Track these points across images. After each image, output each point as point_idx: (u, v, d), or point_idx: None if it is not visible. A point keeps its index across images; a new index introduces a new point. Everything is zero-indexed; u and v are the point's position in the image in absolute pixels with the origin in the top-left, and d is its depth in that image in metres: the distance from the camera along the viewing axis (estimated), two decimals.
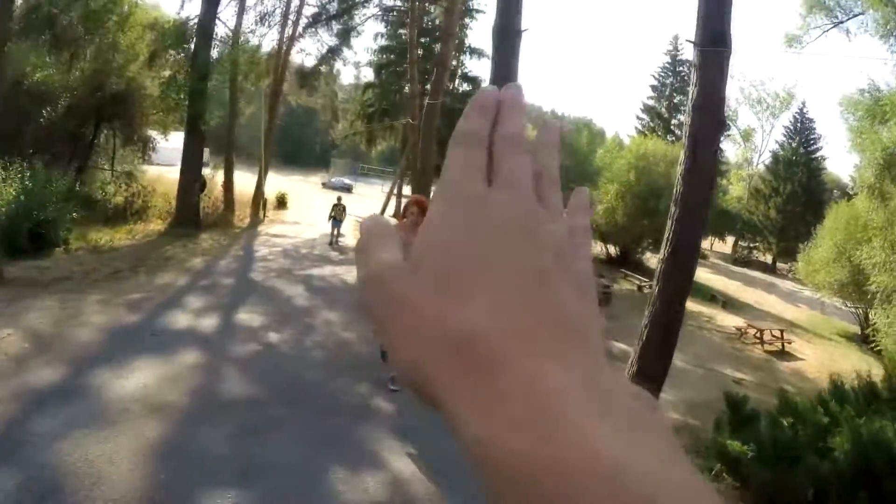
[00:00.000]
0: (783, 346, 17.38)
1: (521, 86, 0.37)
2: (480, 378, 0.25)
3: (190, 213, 18.58)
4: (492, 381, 0.25)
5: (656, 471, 0.23)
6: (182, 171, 18.94)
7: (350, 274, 12.52)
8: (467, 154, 0.33)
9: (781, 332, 17.68)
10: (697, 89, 7.87)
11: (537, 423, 0.24)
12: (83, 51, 19.19)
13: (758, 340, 17.49)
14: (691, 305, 22.76)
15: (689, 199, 7.63)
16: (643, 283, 22.80)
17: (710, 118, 7.83)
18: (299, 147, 71.35)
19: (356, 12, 22.12)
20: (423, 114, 18.58)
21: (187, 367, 6.84)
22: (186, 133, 19.01)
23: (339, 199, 19.84)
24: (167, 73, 19.51)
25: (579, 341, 0.28)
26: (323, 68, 23.41)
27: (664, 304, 7.74)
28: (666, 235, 7.85)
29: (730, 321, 20.55)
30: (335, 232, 19.64)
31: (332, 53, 22.81)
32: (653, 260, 29.33)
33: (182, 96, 18.68)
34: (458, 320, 0.27)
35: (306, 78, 24.55)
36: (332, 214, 19.47)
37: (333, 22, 21.86)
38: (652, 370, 7.93)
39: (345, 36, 21.81)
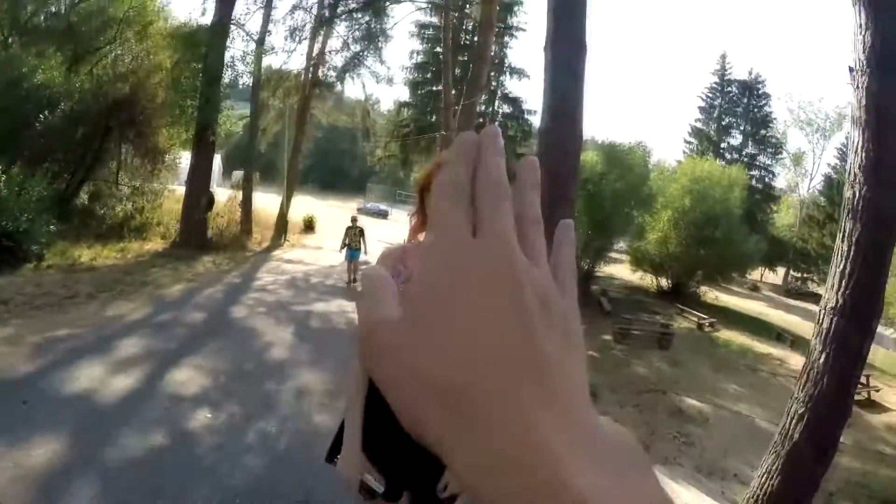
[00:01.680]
0: (869, 394, 13.92)
1: (498, 128, 0.35)
2: (472, 428, 0.26)
3: (195, 233, 15.74)
4: (482, 432, 0.26)
5: None
6: (188, 187, 16.17)
7: None
8: (448, 204, 0.32)
9: (867, 378, 14.18)
10: (873, 32, 4.51)
11: (524, 472, 0.24)
12: (93, 56, 16.77)
13: None
14: (757, 346, 19.36)
15: (877, 211, 4.31)
16: (703, 321, 19.32)
17: None
18: (337, 173, 69.80)
19: (385, 15, 19.19)
20: (458, 120, 15.21)
21: (5, 483, 3.71)
22: (194, 144, 16.25)
23: (353, 220, 14.22)
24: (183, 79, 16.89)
25: (564, 391, 0.28)
26: (350, 76, 20.55)
27: (835, 383, 4.37)
28: (834, 268, 4.43)
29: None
30: (351, 268, 13.74)
31: (358, 58, 19.95)
32: (709, 294, 25.94)
33: (189, 102, 16.03)
34: (450, 375, 0.27)
35: (329, 86, 21.73)
36: (346, 242, 13.78)
37: (359, 14, 18.93)
38: (803, 478, 4.63)
39: (370, 39, 18.95)
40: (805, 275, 42.47)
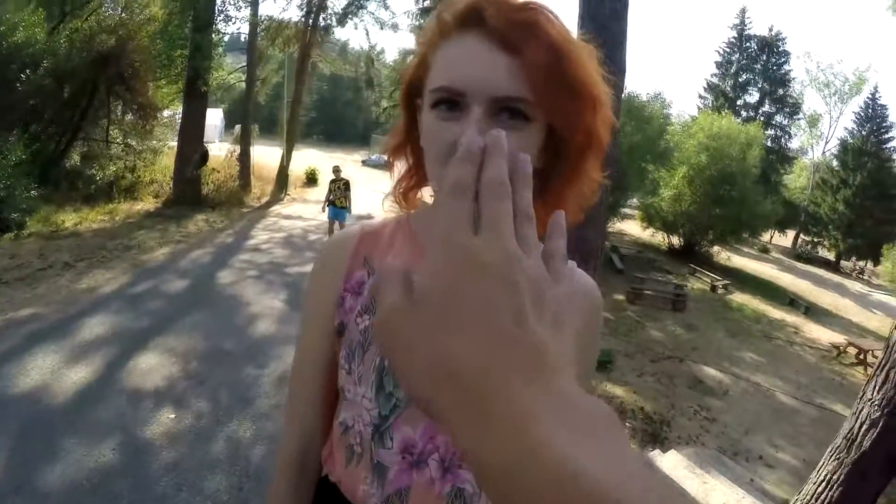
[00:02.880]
0: None
1: (502, 132, 0.39)
2: (469, 402, 0.30)
3: (188, 191, 14.92)
4: (477, 406, 0.30)
5: (611, 469, 0.27)
6: (179, 142, 15.30)
7: None
8: (455, 204, 0.36)
9: None
10: None
11: (511, 438, 0.28)
12: (81, 11, 15.66)
13: (859, 362, 13.38)
14: (771, 311, 18.43)
15: None
16: (716, 282, 18.56)
17: None
18: (342, 125, 68.82)
19: None
20: None
21: None
22: (184, 95, 15.29)
23: (336, 171, 11.60)
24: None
25: (551, 369, 0.32)
26: (352, 20, 19.34)
27: None
28: None
29: (819, 334, 16.33)
30: (335, 230, 10.13)
31: (359, 1, 18.79)
32: (722, 254, 25.10)
33: (179, 52, 15.02)
34: (451, 355, 0.31)
35: (327, 30, 20.55)
36: (330, 198, 11.34)
37: None
38: (867, 491, 3.89)
39: None
40: (815, 239, 41.46)
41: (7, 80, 12.84)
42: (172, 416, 4.29)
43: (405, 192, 0.98)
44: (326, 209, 11.48)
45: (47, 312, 6.24)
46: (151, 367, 5.09)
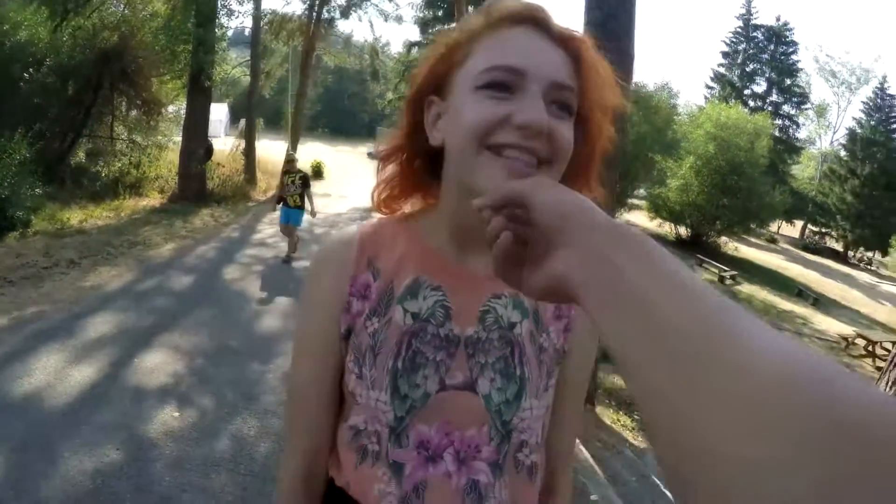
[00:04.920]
0: None
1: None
2: (569, 217, 0.52)
3: (193, 186, 14.93)
4: (576, 219, 0.52)
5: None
6: (184, 137, 15.29)
7: None
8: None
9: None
10: None
11: (582, 213, 0.53)
12: (84, 9, 15.65)
13: (868, 353, 13.24)
14: (780, 302, 18.34)
15: None
16: (724, 273, 18.45)
17: None
18: (347, 118, 68.67)
19: None
20: None
21: None
22: (189, 91, 15.26)
23: (289, 161, 9.60)
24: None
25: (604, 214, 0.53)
26: (356, 12, 19.28)
27: None
28: None
29: (828, 325, 16.23)
30: (290, 236, 9.56)
31: None
32: (729, 245, 24.96)
33: (181, 48, 14.98)
34: (563, 208, 0.54)
35: (330, 22, 20.49)
36: (280, 195, 9.35)
37: None
38: None
39: None
40: (823, 230, 41.54)
41: (11, 78, 12.82)
42: (176, 414, 4.26)
43: (387, 200, 0.95)
44: (279, 208, 9.41)
45: (53, 311, 6.22)
46: (156, 365, 5.06)
